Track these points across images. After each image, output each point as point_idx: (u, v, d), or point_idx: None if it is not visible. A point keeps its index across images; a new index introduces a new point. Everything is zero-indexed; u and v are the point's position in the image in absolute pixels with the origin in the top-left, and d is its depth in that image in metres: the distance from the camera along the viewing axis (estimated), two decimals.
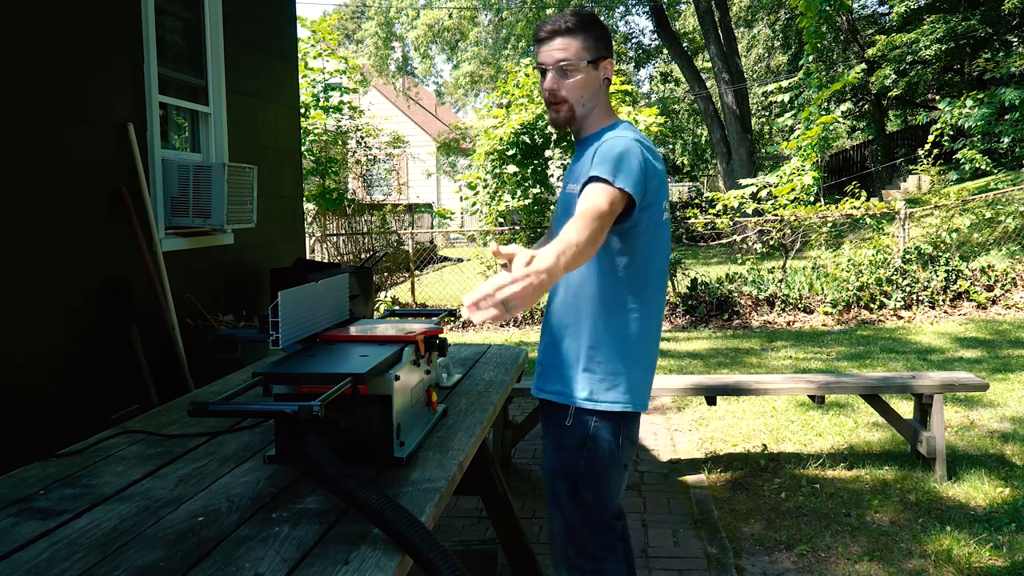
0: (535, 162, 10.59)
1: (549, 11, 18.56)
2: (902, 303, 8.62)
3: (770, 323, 8.68)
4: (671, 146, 27.05)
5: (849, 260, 9.15)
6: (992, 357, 6.54)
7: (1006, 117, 12.45)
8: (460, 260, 16.30)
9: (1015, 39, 16.15)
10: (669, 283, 9.37)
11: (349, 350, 1.78)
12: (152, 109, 4.24)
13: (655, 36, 22.00)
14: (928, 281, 8.68)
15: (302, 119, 10.21)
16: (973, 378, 4.02)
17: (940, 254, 8.89)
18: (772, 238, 9.87)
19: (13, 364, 3.30)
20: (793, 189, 11.08)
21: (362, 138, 14.90)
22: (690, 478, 4.04)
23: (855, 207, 9.59)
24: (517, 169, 10.56)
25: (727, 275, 9.40)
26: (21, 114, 3.38)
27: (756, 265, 9.60)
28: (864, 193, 10.02)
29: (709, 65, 19.35)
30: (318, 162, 12.40)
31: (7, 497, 1.56)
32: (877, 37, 18.30)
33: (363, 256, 12.76)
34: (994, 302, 8.68)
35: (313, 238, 12.42)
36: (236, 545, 1.32)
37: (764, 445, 4.47)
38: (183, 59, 4.80)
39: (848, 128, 22.03)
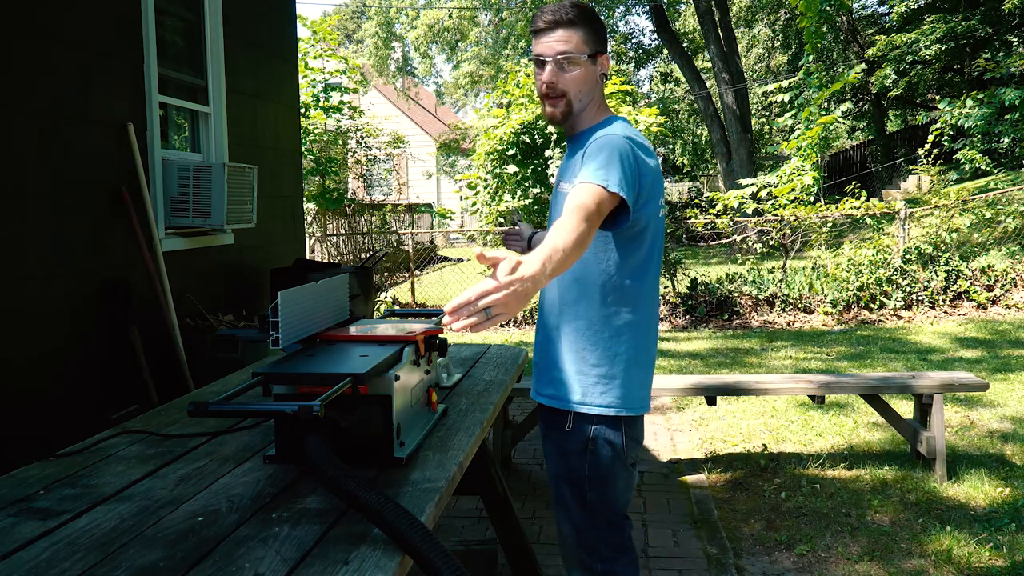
0: (535, 162, 10.59)
1: None
2: (902, 303, 8.62)
3: (770, 323, 8.68)
4: (671, 146, 27.05)
5: (849, 260, 9.15)
6: (992, 357, 6.54)
7: (1006, 117, 12.45)
8: (460, 260, 16.30)
9: (1015, 39, 16.15)
10: (669, 283, 9.37)
11: (349, 350, 1.78)
12: (152, 109, 4.24)
13: (655, 36, 22.00)
14: (928, 281, 8.68)
15: (302, 119, 10.21)
16: (973, 378, 4.02)
17: (940, 254, 8.89)
18: (772, 238, 9.87)
19: (13, 364, 3.31)
20: (793, 189, 11.08)
21: (362, 138, 14.90)
22: (690, 478, 4.04)
23: (855, 207, 9.59)
24: (517, 169, 10.56)
25: (727, 275, 9.40)
26: (21, 114, 3.38)
27: (756, 265, 9.60)
28: (864, 193, 10.02)
29: (709, 65, 19.35)
30: (318, 162, 12.40)
31: (7, 497, 1.56)
32: (877, 37, 18.30)
33: (363, 256, 12.76)
34: (994, 302, 8.68)
35: (313, 238, 12.42)
36: (236, 545, 1.32)
37: (764, 445, 4.47)
38: (183, 59, 4.80)
39: (848, 128, 22.03)
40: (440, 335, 2.03)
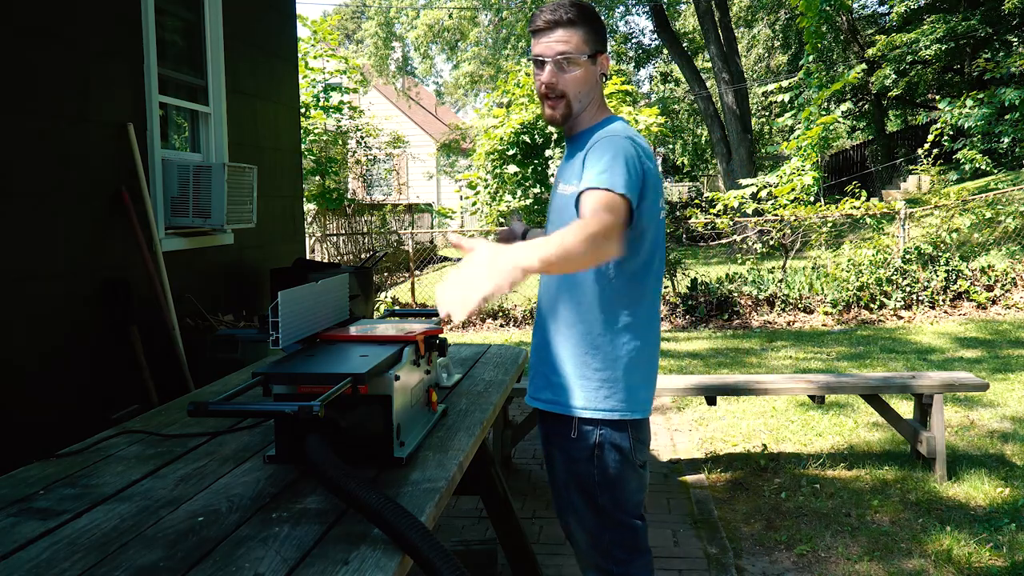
0: (535, 162, 10.59)
1: None
2: (902, 303, 8.62)
3: (770, 323, 8.68)
4: (671, 146, 27.05)
5: (849, 260, 9.15)
6: (992, 357, 6.54)
7: (1006, 117, 12.45)
8: (460, 260, 16.29)
9: (1015, 39, 16.15)
10: (669, 283, 9.36)
11: (349, 350, 1.78)
12: (152, 109, 4.24)
13: (655, 36, 22.00)
14: (928, 281, 8.68)
15: (302, 119, 10.21)
16: (973, 378, 4.02)
17: (940, 254, 8.89)
18: (772, 238, 9.87)
19: (13, 364, 3.31)
20: (793, 189, 11.08)
21: (362, 138, 14.90)
22: (690, 478, 4.04)
23: (855, 207, 9.59)
24: (518, 169, 10.57)
25: (727, 275, 9.40)
26: (21, 114, 3.38)
27: (756, 265, 9.60)
28: (864, 193, 10.01)
29: (709, 65, 19.35)
30: (318, 162, 12.41)
31: (7, 497, 1.56)
32: (877, 37, 18.30)
33: (363, 256, 12.76)
34: (994, 302, 8.68)
35: (313, 238, 12.42)
36: (236, 545, 1.32)
37: (764, 445, 4.47)
38: (183, 59, 4.80)
39: (848, 128, 22.02)
40: (440, 335, 2.03)
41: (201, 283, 4.69)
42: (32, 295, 3.41)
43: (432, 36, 23.98)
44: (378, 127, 15.82)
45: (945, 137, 12.51)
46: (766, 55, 24.72)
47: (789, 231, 9.71)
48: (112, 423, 2.92)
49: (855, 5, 20.25)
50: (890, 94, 19.00)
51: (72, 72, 3.69)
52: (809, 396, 4.21)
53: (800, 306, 8.90)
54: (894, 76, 17.46)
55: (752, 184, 11.77)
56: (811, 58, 13.53)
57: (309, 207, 12.32)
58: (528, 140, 10.53)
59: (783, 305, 8.90)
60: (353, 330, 1.99)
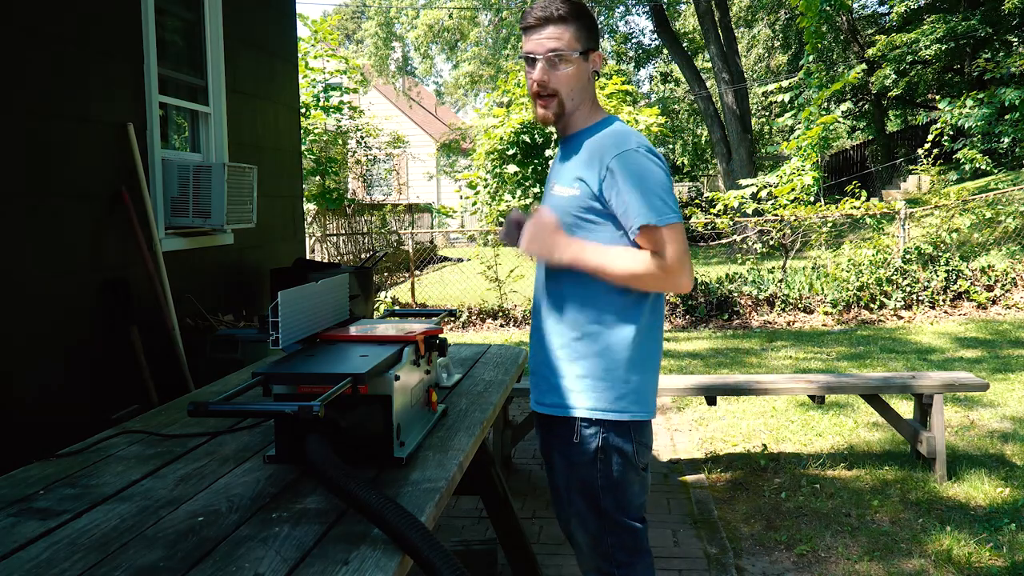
0: (535, 161, 10.60)
1: None
2: (902, 303, 8.62)
3: (770, 323, 8.68)
4: (671, 146, 27.05)
5: (849, 260, 9.15)
6: (992, 357, 6.54)
7: (1006, 117, 12.45)
8: (460, 260, 16.30)
9: (1015, 39, 16.16)
10: None
11: (349, 350, 1.78)
12: (152, 109, 4.24)
13: (655, 36, 22.00)
14: (928, 281, 8.68)
15: (302, 119, 10.21)
16: (973, 378, 4.02)
17: (940, 254, 8.89)
18: (772, 238, 9.87)
19: (13, 364, 3.30)
20: (793, 189, 11.08)
21: (362, 138, 14.91)
22: (690, 478, 4.04)
23: (855, 207, 9.59)
24: (517, 169, 10.57)
25: (727, 275, 9.40)
26: (20, 113, 3.38)
27: (756, 265, 9.60)
28: (864, 193, 10.01)
29: (709, 65, 19.35)
30: (318, 162, 12.41)
31: (7, 497, 1.56)
32: (877, 37, 18.30)
33: (363, 256, 12.76)
34: (994, 302, 8.68)
35: (313, 238, 12.42)
36: (236, 545, 1.32)
37: (764, 445, 4.47)
38: (183, 59, 4.80)
39: (848, 128, 22.03)
40: (440, 335, 2.03)
41: (201, 283, 4.69)
42: (32, 295, 3.41)
43: (432, 36, 23.98)
44: (378, 127, 15.83)
45: (945, 137, 12.51)
46: (766, 55, 24.72)
47: (789, 231, 9.71)
48: (112, 423, 2.92)
49: (855, 5, 20.26)
50: (890, 94, 19.00)
51: (72, 72, 3.69)
52: (809, 396, 4.21)
53: (800, 306, 8.90)
54: (894, 76, 17.46)
55: (752, 184, 11.77)
56: (811, 58, 13.54)
57: (309, 207, 12.32)
58: (528, 140, 10.54)
59: (783, 305, 8.90)
60: (353, 330, 1.99)
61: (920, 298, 8.64)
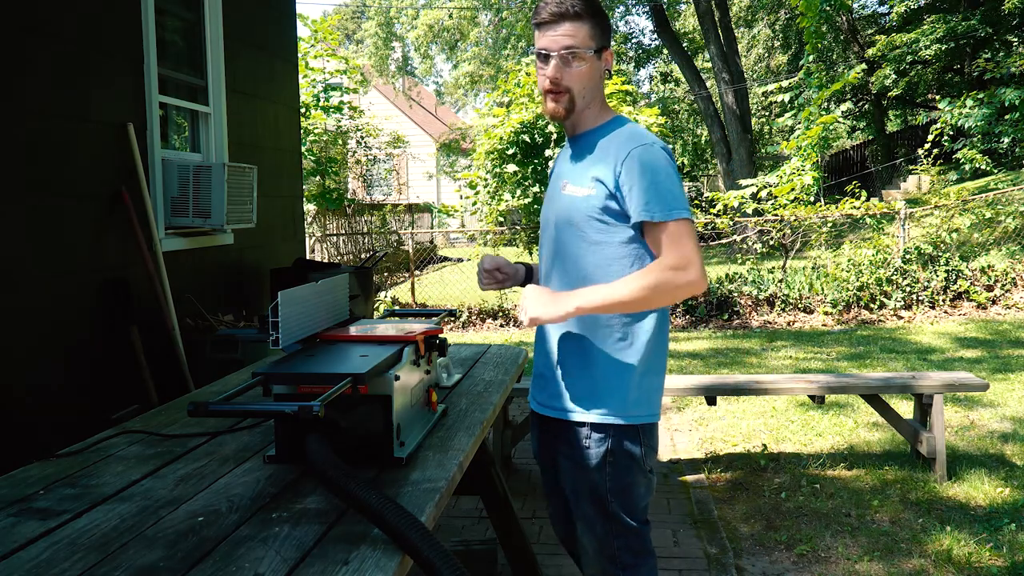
0: (535, 161, 10.59)
1: None
2: (902, 303, 8.62)
3: (770, 323, 8.68)
4: (671, 146, 27.01)
5: (849, 260, 9.15)
6: (992, 357, 6.54)
7: (1006, 117, 12.45)
8: (460, 260, 16.30)
9: (1015, 39, 16.15)
10: None
11: (349, 350, 1.78)
12: (152, 109, 4.24)
13: (655, 36, 22.00)
14: (928, 281, 8.68)
15: (302, 119, 10.21)
16: (973, 378, 4.02)
17: (940, 254, 8.89)
18: (772, 238, 9.87)
19: (13, 364, 3.30)
20: (793, 189, 11.08)
21: (362, 138, 14.91)
22: (690, 478, 4.04)
23: (855, 207, 9.59)
24: (517, 168, 10.56)
25: (727, 275, 9.40)
26: (20, 113, 3.38)
27: (756, 265, 9.60)
28: (864, 193, 10.02)
29: (709, 65, 19.35)
30: (318, 162, 12.41)
31: (7, 497, 1.56)
32: (877, 37, 18.30)
33: (363, 256, 12.76)
34: (994, 302, 8.68)
35: (313, 238, 12.42)
36: (236, 545, 1.32)
37: (764, 445, 4.47)
38: (183, 59, 4.80)
39: (848, 128, 22.03)
40: (440, 335, 2.03)
41: (201, 283, 4.69)
42: (32, 295, 3.41)
43: (432, 36, 23.99)
44: (378, 127, 15.83)
45: (945, 137, 12.51)
46: (766, 55, 24.71)
47: (789, 231, 9.71)
48: (112, 423, 2.92)
49: (855, 5, 20.25)
50: (890, 94, 19.00)
51: (72, 72, 3.69)
52: (809, 396, 4.21)
53: (800, 306, 8.90)
54: (894, 76, 17.45)
55: (752, 184, 11.76)
56: (811, 58, 13.53)
57: (309, 207, 12.31)
58: (528, 140, 10.53)
59: (783, 305, 8.90)
60: (353, 330, 1.98)
61: (920, 298, 8.64)
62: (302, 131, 9.37)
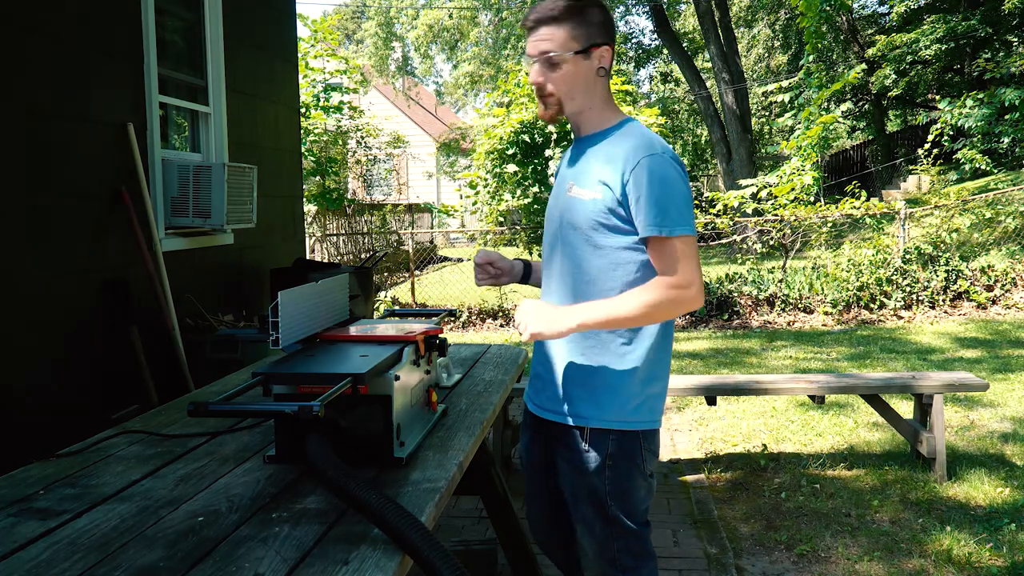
0: (535, 161, 10.59)
1: None
2: (902, 303, 8.62)
3: (770, 323, 8.68)
4: (671, 146, 26.99)
5: (849, 260, 9.15)
6: (992, 357, 6.54)
7: (1006, 117, 12.44)
8: (460, 260, 16.30)
9: (1015, 39, 16.15)
10: None
11: (349, 350, 1.78)
12: (152, 109, 4.24)
13: (655, 36, 21.99)
14: (928, 281, 8.68)
15: (302, 119, 10.21)
16: (974, 378, 4.02)
17: (940, 254, 8.89)
18: (772, 238, 9.87)
19: (13, 364, 3.30)
20: (793, 189, 11.08)
21: (362, 138, 14.91)
22: (690, 478, 4.04)
23: (855, 207, 9.59)
24: (517, 168, 10.57)
25: (727, 275, 9.40)
26: (21, 113, 3.38)
27: (756, 265, 9.60)
28: (864, 193, 10.01)
29: (709, 65, 19.35)
30: (318, 162, 12.41)
31: (7, 497, 1.56)
32: (877, 37, 18.30)
33: (363, 256, 12.76)
34: (994, 302, 8.68)
35: (313, 238, 12.42)
36: (236, 545, 1.32)
37: (764, 445, 4.47)
38: (183, 59, 4.80)
39: (848, 128, 22.02)
40: (440, 335, 2.03)
41: (201, 283, 4.69)
42: (32, 295, 3.41)
43: (432, 36, 23.98)
44: (378, 127, 15.83)
45: (945, 137, 12.51)
46: (766, 55, 24.71)
47: (789, 231, 9.71)
48: (112, 423, 2.92)
49: (855, 5, 20.25)
50: (890, 94, 19.00)
51: (72, 72, 3.69)
52: (809, 396, 4.21)
53: (800, 306, 8.90)
54: (894, 76, 17.45)
55: (752, 184, 11.76)
56: (811, 58, 13.53)
57: (309, 207, 12.32)
58: (528, 140, 10.53)
59: (783, 305, 8.90)
60: (353, 330, 1.98)
61: (920, 298, 8.64)
62: (302, 131, 9.37)
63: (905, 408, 4.70)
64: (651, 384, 1.86)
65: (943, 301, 8.64)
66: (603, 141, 1.83)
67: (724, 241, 11.00)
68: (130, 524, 1.42)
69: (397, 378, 1.67)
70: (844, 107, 16.51)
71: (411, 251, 10.81)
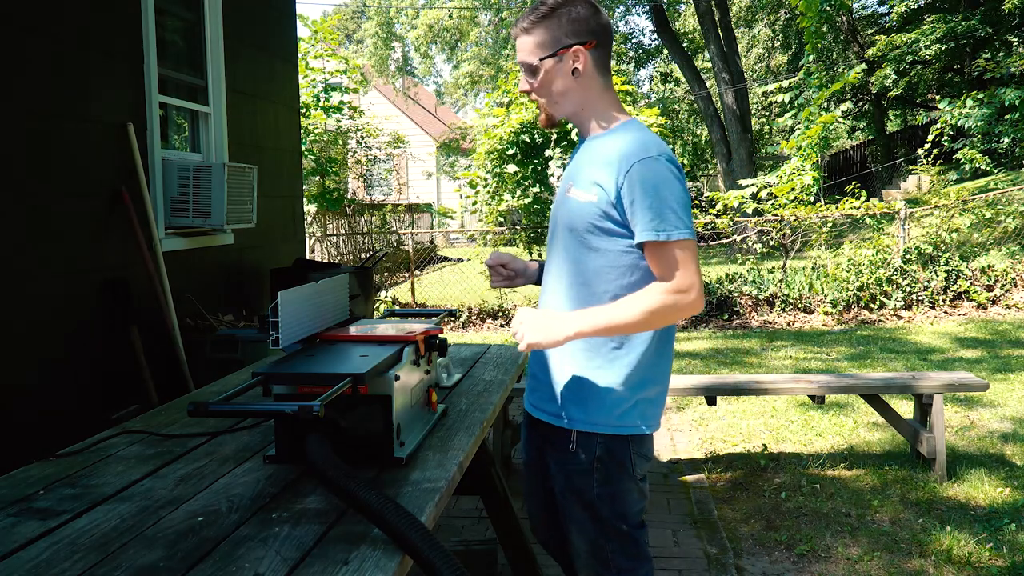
0: (535, 161, 10.59)
1: None
2: (902, 303, 8.62)
3: (770, 323, 8.68)
4: (671, 146, 27.04)
5: (849, 260, 9.15)
6: (992, 357, 6.54)
7: (1006, 117, 12.45)
8: (460, 260, 16.30)
9: (1015, 39, 16.16)
10: None
11: (349, 350, 1.78)
12: (152, 109, 4.24)
13: (655, 36, 22.00)
14: (928, 281, 8.68)
15: (302, 119, 10.21)
16: (974, 378, 4.02)
17: (940, 254, 8.89)
18: (772, 238, 9.87)
19: (13, 364, 3.30)
20: (793, 189, 11.08)
21: (362, 138, 14.91)
22: (690, 478, 4.04)
23: (855, 207, 9.59)
24: (517, 168, 10.56)
25: (727, 275, 9.40)
26: (21, 113, 3.38)
27: (756, 265, 9.60)
28: (864, 193, 10.01)
29: (709, 65, 19.35)
30: (318, 162, 12.41)
31: (7, 497, 1.56)
32: (877, 37, 18.30)
33: (363, 256, 12.76)
34: (994, 302, 8.68)
35: (313, 238, 12.42)
36: (236, 545, 1.32)
37: (764, 445, 4.47)
38: (183, 59, 4.80)
39: (848, 128, 22.03)
40: (440, 335, 2.03)
41: (201, 283, 4.69)
42: (32, 295, 3.41)
43: (432, 36, 23.99)
44: (378, 127, 15.83)
45: (945, 137, 12.51)
46: (766, 55, 24.72)
47: (789, 231, 9.71)
48: (112, 423, 2.92)
49: (855, 5, 20.26)
50: (890, 94, 19.00)
51: (72, 72, 3.69)
52: (809, 396, 4.21)
53: (800, 306, 8.90)
54: (894, 76, 17.46)
55: (752, 184, 11.76)
56: (811, 58, 13.54)
57: (309, 207, 12.32)
58: (528, 140, 10.53)
59: (783, 305, 8.90)
60: (353, 330, 1.98)
61: (920, 298, 8.64)
62: (302, 131, 9.37)
63: (905, 408, 4.70)
64: (644, 389, 1.83)
65: (943, 301, 8.64)
66: (601, 144, 1.82)
67: (724, 241, 11.00)
68: (130, 524, 1.42)
69: (397, 378, 1.67)
70: (844, 107, 16.50)
71: (411, 251, 10.81)
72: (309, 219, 12.40)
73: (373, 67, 23.91)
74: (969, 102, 12.49)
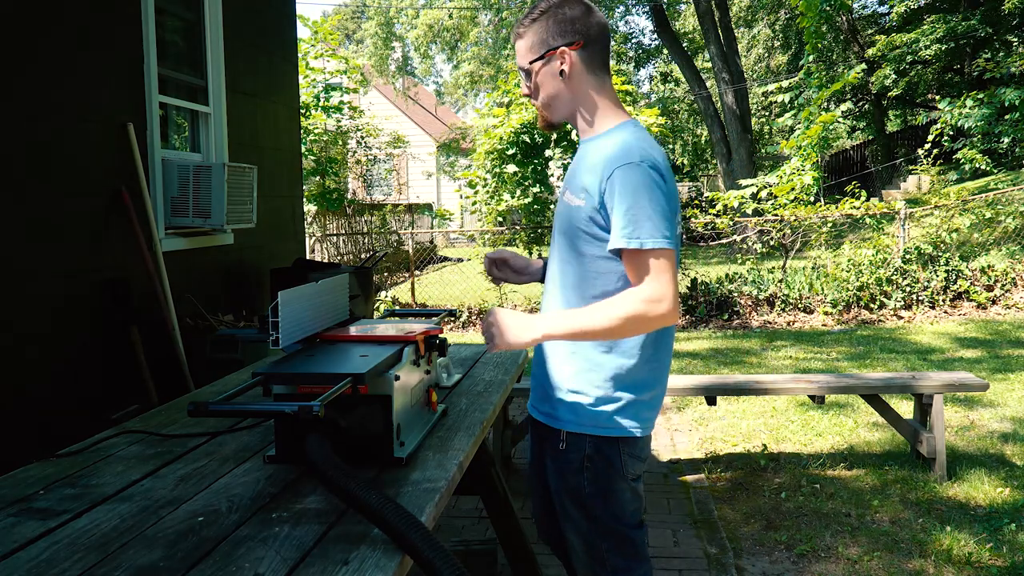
0: (535, 161, 10.59)
1: None
2: (902, 303, 8.62)
3: (770, 323, 8.68)
4: (671, 146, 27.05)
5: (849, 260, 9.15)
6: (992, 357, 6.54)
7: (1006, 117, 12.45)
8: (460, 260, 16.30)
9: (1015, 39, 16.16)
10: None
11: (349, 350, 1.78)
12: (152, 109, 4.24)
13: (655, 36, 22.00)
14: (928, 281, 8.68)
15: (302, 119, 10.21)
16: (974, 378, 4.02)
17: (940, 254, 8.89)
18: (772, 238, 9.87)
19: (13, 364, 3.30)
20: (793, 189, 11.08)
21: (362, 138, 14.91)
22: (690, 478, 4.04)
23: (855, 207, 9.59)
24: (517, 169, 10.56)
25: (727, 275, 9.40)
26: (21, 113, 3.38)
27: (756, 265, 9.60)
28: (864, 193, 10.01)
29: (709, 65, 19.35)
30: (318, 162, 12.41)
31: (7, 497, 1.56)
32: (877, 37, 18.30)
33: (363, 256, 12.76)
34: (994, 302, 8.68)
35: (313, 238, 12.42)
36: (236, 545, 1.32)
37: (764, 445, 4.47)
38: (183, 59, 4.80)
39: (848, 128, 22.02)
40: (440, 335, 2.03)
41: (201, 283, 4.69)
42: (32, 295, 3.41)
43: (432, 36, 23.99)
44: (378, 127, 15.83)
45: (945, 137, 12.51)
46: (766, 55, 24.72)
47: (789, 231, 9.71)
48: (112, 423, 2.91)
49: (855, 5, 20.26)
50: (890, 94, 19.00)
51: (72, 72, 3.69)
52: (809, 396, 4.21)
53: (800, 306, 8.90)
54: (894, 76, 17.46)
55: (752, 184, 11.75)
56: (811, 58, 13.54)
57: (309, 207, 12.32)
58: (528, 140, 10.53)
59: (783, 305, 8.90)
60: (353, 330, 1.98)
61: (920, 298, 8.64)
62: (302, 131, 9.37)
63: (905, 408, 4.70)
64: (636, 391, 1.82)
65: (943, 301, 8.64)
66: (594, 146, 1.81)
67: (724, 241, 11.00)
68: (130, 524, 1.42)
69: (397, 378, 1.67)
70: (844, 107, 16.49)
71: (411, 251, 10.81)
72: (309, 219, 12.40)
73: (373, 67, 23.91)
74: (969, 102, 12.49)
